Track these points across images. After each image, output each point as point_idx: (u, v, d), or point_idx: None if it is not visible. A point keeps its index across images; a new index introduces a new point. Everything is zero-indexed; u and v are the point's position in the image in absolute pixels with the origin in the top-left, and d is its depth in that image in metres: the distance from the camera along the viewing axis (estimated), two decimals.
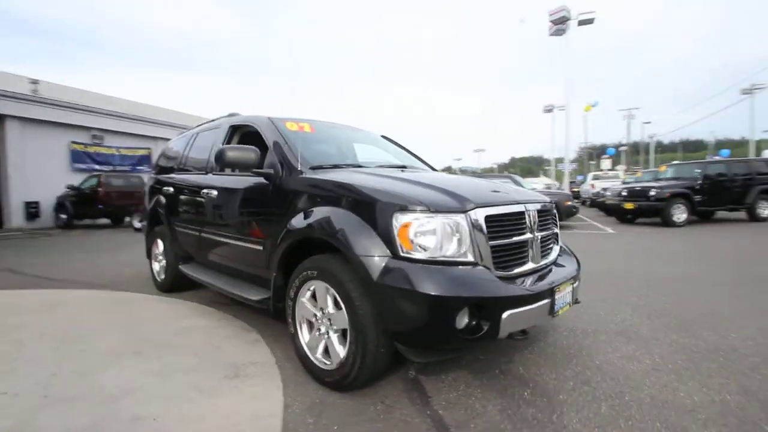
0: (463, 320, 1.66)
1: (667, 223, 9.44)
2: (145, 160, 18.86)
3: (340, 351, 1.95)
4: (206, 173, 3.28)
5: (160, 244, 4.09)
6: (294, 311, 2.21)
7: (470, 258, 1.77)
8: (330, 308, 2.01)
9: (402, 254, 1.74)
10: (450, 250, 1.76)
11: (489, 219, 1.87)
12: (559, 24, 15.99)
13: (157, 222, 4.21)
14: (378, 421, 1.77)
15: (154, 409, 1.86)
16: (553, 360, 2.38)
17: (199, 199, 3.21)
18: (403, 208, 1.79)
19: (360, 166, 2.68)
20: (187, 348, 2.61)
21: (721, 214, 10.83)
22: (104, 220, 13.67)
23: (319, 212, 2.07)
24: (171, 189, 3.79)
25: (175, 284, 3.95)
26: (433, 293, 1.62)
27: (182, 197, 3.58)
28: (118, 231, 12.00)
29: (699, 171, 9.88)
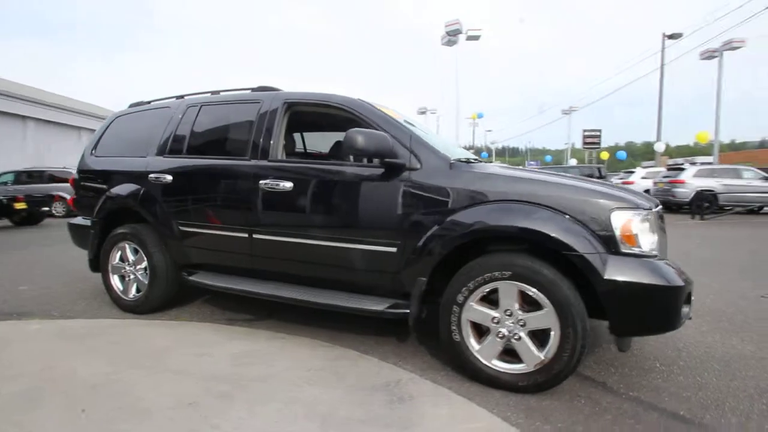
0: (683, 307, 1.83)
1: None
2: None
3: (537, 351, 1.89)
4: (248, 159, 2.62)
5: (128, 250, 3.07)
6: (460, 317, 2.02)
7: (656, 252, 1.95)
8: (517, 309, 1.93)
9: (625, 251, 1.82)
10: (651, 245, 1.90)
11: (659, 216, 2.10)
12: (452, 36, 17.78)
13: (116, 222, 3.16)
14: (609, 415, 1.78)
15: None
16: (666, 347, 2.50)
17: (248, 191, 2.55)
18: (620, 207, 1.87)
19: (478, 160, 2.57)
20: (285, 381, 2.06)
21: None
22: None
23: (507, 209, 1.96)
24: (167, 177, 2.88)
25: (164, 302, 3.04)
26: (674, 285, 1.75)
27: (203, 189, 2.78)
28: None
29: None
